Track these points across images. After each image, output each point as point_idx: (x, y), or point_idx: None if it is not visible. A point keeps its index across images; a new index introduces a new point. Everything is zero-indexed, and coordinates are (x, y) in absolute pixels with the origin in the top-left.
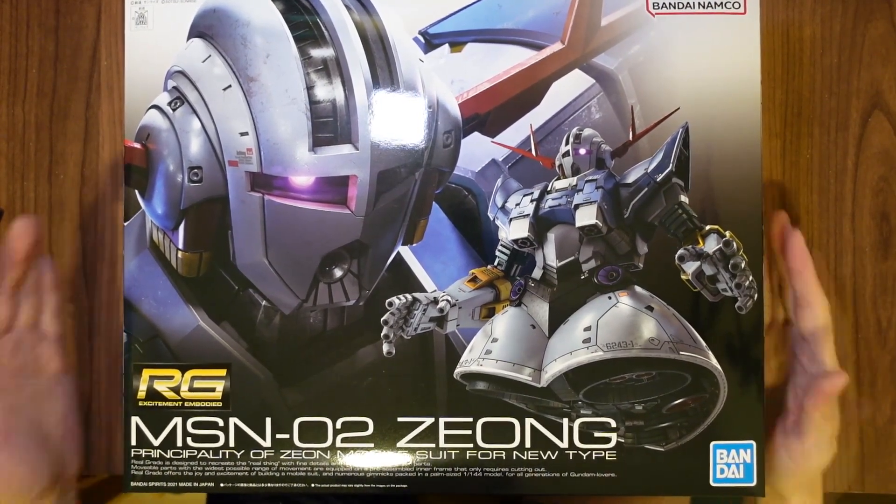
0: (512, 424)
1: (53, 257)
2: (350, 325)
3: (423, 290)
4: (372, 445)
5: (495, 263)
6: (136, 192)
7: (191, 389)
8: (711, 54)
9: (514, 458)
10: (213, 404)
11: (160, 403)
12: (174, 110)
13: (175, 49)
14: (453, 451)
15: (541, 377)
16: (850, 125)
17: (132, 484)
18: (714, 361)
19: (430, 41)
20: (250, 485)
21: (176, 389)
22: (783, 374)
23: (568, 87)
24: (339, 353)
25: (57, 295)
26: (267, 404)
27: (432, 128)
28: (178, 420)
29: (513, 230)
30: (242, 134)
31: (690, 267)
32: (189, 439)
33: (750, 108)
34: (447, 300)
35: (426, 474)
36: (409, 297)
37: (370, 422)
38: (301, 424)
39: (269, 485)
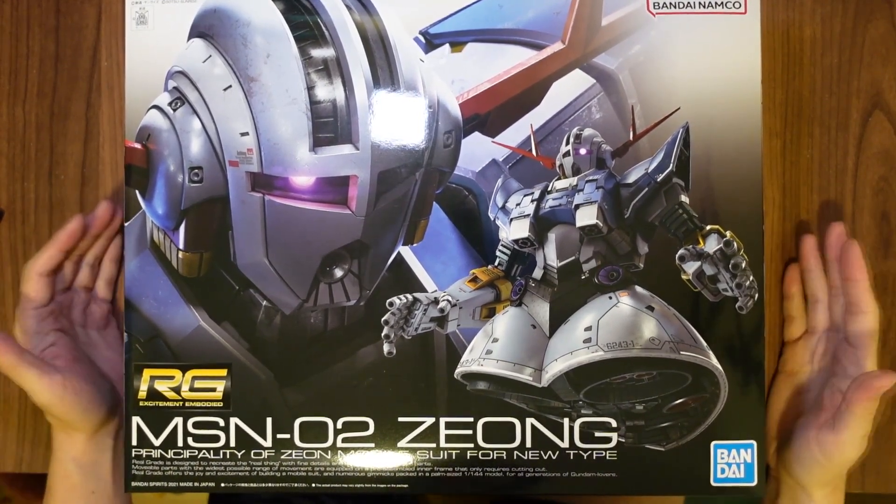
0: (513, 424)
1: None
2: (351, 325)
3: (423, 290)
4: (373, 445)
5: (496, 263)
6: (137, 192)
7: (191, 389)
8: (712, 54)
9: (515, 457)
10: (214, 404)
11: (161, 403)
12: (175, 110)
13: (175, 49)
14: (454, 451)
15: (541, 377)
16: (850, 125)
17: (133, 484)
18: (714, 361)
19: (430, 41)
20: (251, 485)
21: (177, 389)
22: (817, 377)
23: (568, 87)
24: (339, 353)
25: (114, 267)
26: (268, 404)
27: (433, 128)
28: (178, 420)
29: (513, 230)
30: (243, 134)
31: (691, 267)
32: (190, 439)
33: (750, 108)
34: (448, 300)
35: (427, 474)
36: (409, 297)
37: (371, 422)
38: (302, 424)
39: (269, 485)
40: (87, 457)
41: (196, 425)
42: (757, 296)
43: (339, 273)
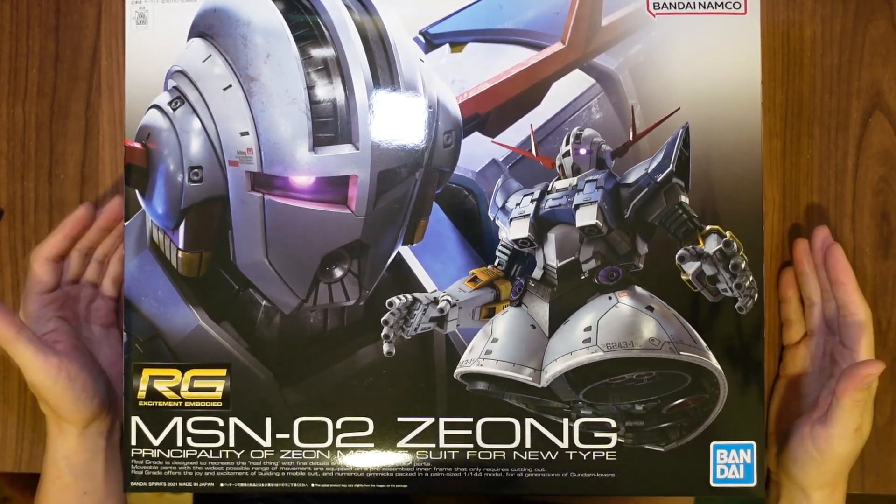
0: (512, 424)
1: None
2: (350, 324)
3: (423, 290)
4: (372, 445)
5: (495, 263)
6: (137, 191)
7: (191, 389)
8: (712, 54)
9: (515, 458)
10: (214, 404)
11: (160, 403)
12: (174, 110)
13: (175, 49)
14: (453, 452)
15: (541, 377)
16: (850, 125)
17: (132, 484)
18: (714, 362)
19: (430, 41)
20: (250, 485)
21: (176, 389)
22: (816, 380)
23: (568, 88)
24: (339, 353)
25: (120, 267)
26: (267, 404)
27: (433, 128)
28: (178, 420)
29: (513, 230)
30: (243, 134)
31: (691, 267)
32: (189, 439)
33: (750, 109)
34: (447, 300)
35: (426, 474)
36: (409, 297)
37: (370, 422)
38: (301, 424)
39: (269, 485)
40: (79, 457)
41: (195, 425)
42: (756, 296)
43: (338, 273)
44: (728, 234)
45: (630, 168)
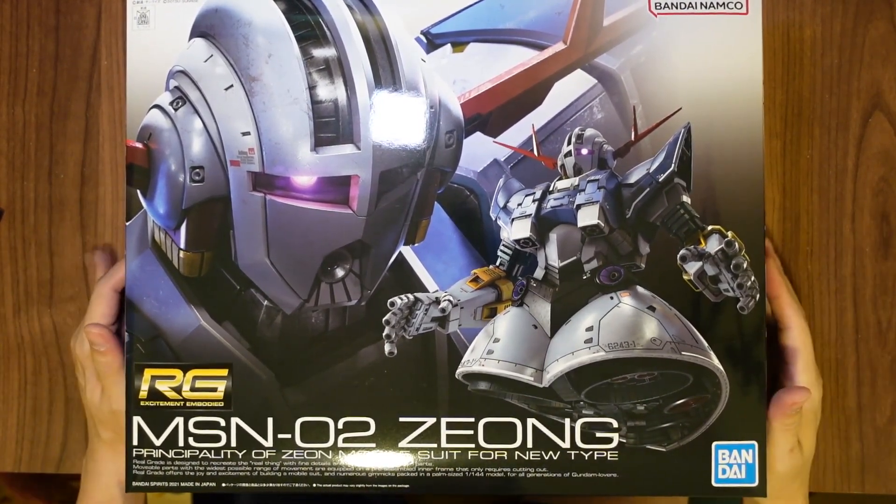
0: (514, 425)
1: (52, 257)
2: (352, 325)
3: (424, 290)
4: (374, 445)
5: (497, 263)
6: (138, 191)
7: (192, 389)
8: (713, 55)
9: (516, 458)
10: (215, 404)
11: (162, 403)
12: (176, 110)
13: (177, 49)
14: (455, 452)
15: (542, 377)
16: (850, 125)
17: (134, 484)
18: (716, 361)
19: (432, 41)
20: (252, 485)
21: (178, 389)
22: None
23: (570, 88)
24: (340, 353)
25: None
26: (269, 404)
27: (434, 128)
28: (179, 420)
29: (515, 230)
30: (244, 134)
31: (692, 267)
32: (191, 439)
33: (752, 109)
34: (449, 300)
35: (428, 474)
36: (410, 297)
37: (372, 422)
38: (303, 424)
39: (270, 485)
40: None
41: (197, 425)
42: (758, 296)
43: (340, 273)
44: (730, 234)
45: (632, 168)
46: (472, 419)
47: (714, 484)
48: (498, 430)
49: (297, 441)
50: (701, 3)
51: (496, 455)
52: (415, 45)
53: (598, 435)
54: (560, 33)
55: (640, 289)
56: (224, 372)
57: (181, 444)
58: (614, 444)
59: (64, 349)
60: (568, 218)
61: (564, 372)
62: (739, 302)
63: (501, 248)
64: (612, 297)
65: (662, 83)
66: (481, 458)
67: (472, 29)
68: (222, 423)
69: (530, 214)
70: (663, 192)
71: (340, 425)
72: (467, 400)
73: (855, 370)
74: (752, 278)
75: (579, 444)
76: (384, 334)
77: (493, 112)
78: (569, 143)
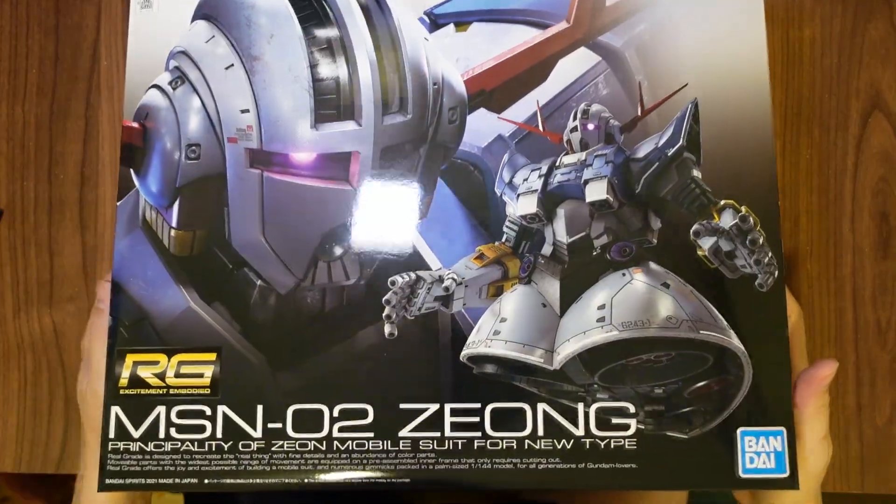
0: (523, 410)
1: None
2: (350, 305)
3: (427, 268)
4: (372, 435)
5: (503, 240)
6: (131, 170)
7: (177, 375)
8: (718, 31)
9: (527, 447)
10: (201, 391)
11: (143, 391)
12: (174, 89)
13: (178, 32)
14: (460, 441)
15: (553, 359)
16: (849, 125)
17: (107, 482)
18: (736, 341)
19: (435, 21)
20: (237, 480)
21: (161, 376)
22: None
23: (574, 64)
24: (337, 336)
25: None
26: (259, 391)
27: (437, 103)
28: (161, 409)
29: (521, 206)
30: (243, 111)
31: (707, 242)
32: (172, 430)
33: (758, 83)
34: (453, 278)
35: (430, 467)
36: (412, 275)
37: (370, 409)
38: (295, 413)
39: (258, 480)
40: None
41: (180, 414)
42: (777, 273)
43: (338, 251)
44: (744, 208)
45: (639, 143)
46: (478, 405)
47: (741, 475)
48: (506, 416)
49: (289, 431)
50: None
51: (504, 444)
52: (418, 24)
53: (615, 421)
54: (563, 12)
55: (653, 265)
56: (212, 356)
57: (162, 435)
58: (632, 432)
59: (64, 349)
60: (575, 193)
61: (576, 353)
62: (758, 279)
63: (507, 223)
64: (624, 274)
65: (667, 60)
66: (488, 447)
67: (475, 9)
68: (208, 411)
69: (536, 190)
70: (673, 167)
71: (336, 413)
72: (473, 384)
73: (854, 370)
74: (770, 254)
75: (594, 431)
76: (384, 315)
77: (497, 88)
78: (575, 119)
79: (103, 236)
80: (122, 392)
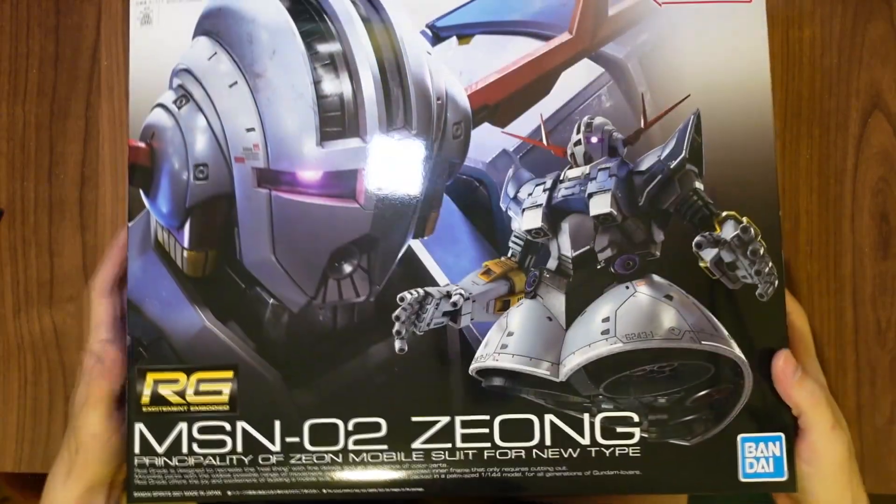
0: (531, 421)
1: (52, 257)
2: (361, 321)
3: (435, 284)
4: (385, 447)
5: (509, 255)
6: (141, 191)
7: (196, 393)
8: (720, 42)
9: (535, 456)
10: (220, 408)
11: (165, 408)
12: (179, 108)
13: (180, 48)
14: (470, 451)
15: (559, 371)
16: (849, 126)
17: (136, 494)
18: (737, 350)
19: (437, 34)
20: (259, 492)
21: (181, 393)
22: None
23: (577, 77)
24: (349, 352)
25: None
26: (276, 407)
27: (441, 119)
28: (183, 425)
29: (526, 220)
30: (249, 130)
31: (709, 254)
32: (195, 445)
33: (760, 94)
34: (460, 294)
35: (442, 476)
36: (420, 291)
37: (383, 422)
38: (311, 427)
39: (278, 491)
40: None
41: (201, 430)
42: (777, 282)
43: (347, 268)
44: (745, 219)
45: (643, 155)
46: (487, 417)
47: (741, 479)
48: (514, 427)
49: (306, 444)
50: None
51: (513, 454)
52: (420, 38)
53: (619, 430)
54: (565, 24)
55: (656, 277)
56: (229, 374)
57: (185, 450)
58: (636, 440)
59: (64, 349)
60: (579, 207)
61: (582, 365)
62: (758, 289)
63: (513, 238)
64: (627, 287)
65: (670, 71)
66: (498, 457)
67: (477, 21)
68: (227, 427)
69: (541, 204)
70: (675, 179)
71: (351, 427)
72: (482, 397)
73: (854, 370)
74: (770, 264)
75: (599, 440)
76: (394, 330)
77: (501, 102)
78: (578, 132)
79: (103, 236)
80: (144, 410)
